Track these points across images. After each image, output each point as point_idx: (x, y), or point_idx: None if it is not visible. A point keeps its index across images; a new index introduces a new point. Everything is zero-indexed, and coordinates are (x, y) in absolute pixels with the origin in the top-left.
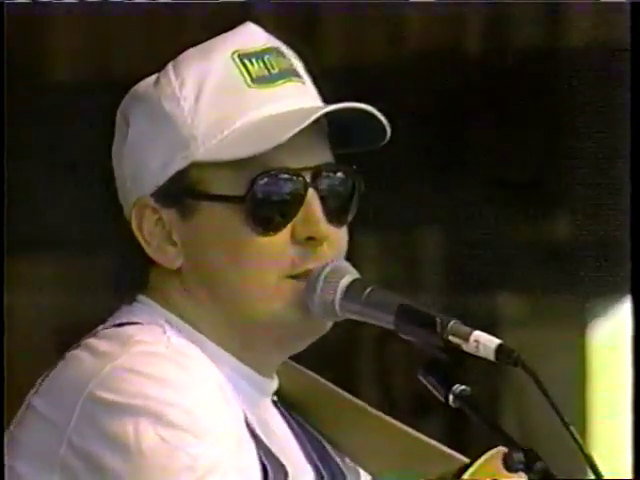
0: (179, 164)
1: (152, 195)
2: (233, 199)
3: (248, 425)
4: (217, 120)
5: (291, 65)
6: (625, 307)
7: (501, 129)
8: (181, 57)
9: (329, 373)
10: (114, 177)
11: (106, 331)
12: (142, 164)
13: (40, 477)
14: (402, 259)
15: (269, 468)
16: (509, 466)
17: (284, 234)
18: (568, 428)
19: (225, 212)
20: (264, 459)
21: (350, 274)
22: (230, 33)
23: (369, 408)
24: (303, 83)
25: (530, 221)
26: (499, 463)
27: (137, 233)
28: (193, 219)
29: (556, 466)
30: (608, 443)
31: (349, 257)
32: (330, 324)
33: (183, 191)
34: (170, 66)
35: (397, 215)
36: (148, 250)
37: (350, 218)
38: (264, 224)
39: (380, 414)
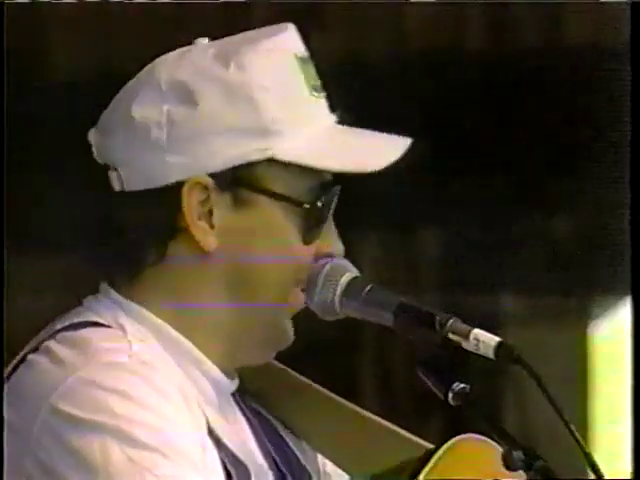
0: (256, 156)
1: (208, 174)
2: (298, 203)
3: (210, 430)
4: (294, 121)
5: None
6: (625, 306)
7: (501, 129)
8: (243, 49)
9: (329, 372)
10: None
11: (64, 335)
12: (210, 144)
13: None
14: (402, 259)
15: (233, 473)
16: (509, 464)
17: (313, 246)
18: (568, 426)
19: (281, 212)
20: (228, 465)
21: (350, 272)
22: (285, 33)
23: (328, 393)
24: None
25: (530, 221)
26: (465, 450)
27: (186, 209)
28: (246, 209)
29: (556, 464)
30: (608, 442)
31: (349, 256)
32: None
33: (246, 181)
34: (247, 54)
35: (397, 215)
36: (193, 228)
37: None
38: (312, 233)
39: (341, 400)
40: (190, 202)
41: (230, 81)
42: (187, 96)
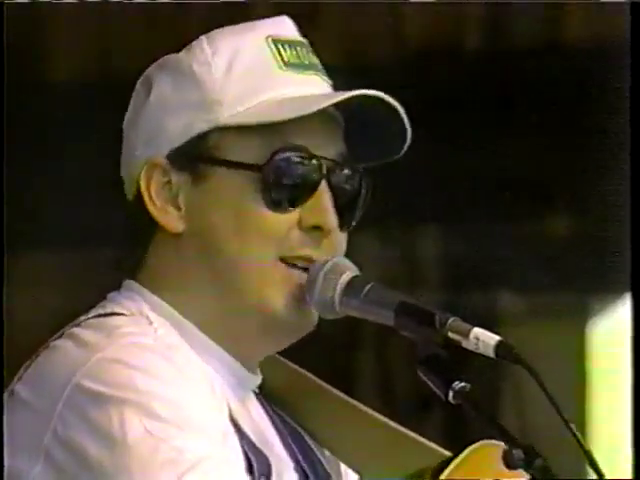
0: (201, 127)
1: (166, 157)
2: (251, 167)
3: (232, 418)
4: (245, 91)
5: (319, 63)
6: (624, 305)
7: (501, 128)
8: (215, 32)
9: (329, 370)
10: (120, 152)
11: (91, 321)
12: (161, 125)
13: (23, 466)
14: (402, 257)
15: (253, 460)
16: (509, 463)
17: (291, 217)
18: (568, 425)
19: (239, 181)
20: (248, 452)
21: (350, 271)
22: (265, 20)
23: (351, 401)
24: (329, 83)
25: (530, 220)
26: (482, 457)
27: (144, 192)
28: (204, 184)
29: (556, 463)
30: (608, 441)
31: (349, 255)
32: (315, 323)
33: (199, 155)
34: (203, 37)
35: (397, 214)
36: (152, 210)
37: (354, 222)
38: (276, 200)
39: (362, 406)
40: (149, 185)
41: (178, 64)
42: (147, 87)
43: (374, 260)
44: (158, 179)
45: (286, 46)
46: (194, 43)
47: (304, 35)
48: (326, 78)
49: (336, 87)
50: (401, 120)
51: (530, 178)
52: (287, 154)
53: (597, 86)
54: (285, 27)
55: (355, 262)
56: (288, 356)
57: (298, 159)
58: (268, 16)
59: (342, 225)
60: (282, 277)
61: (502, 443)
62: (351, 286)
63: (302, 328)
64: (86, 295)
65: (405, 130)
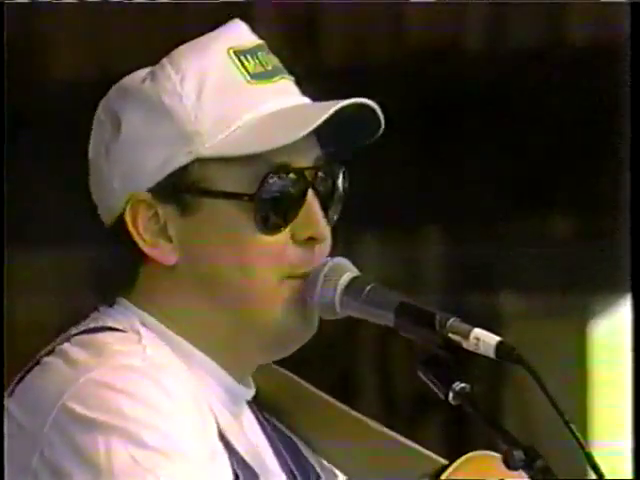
0: (182, 160)
1: (148, 191)
2: (241, 197)
3: (222, 436)
4: (221, 116)
5: (279, 62)
6: (625, 304)
7: (501, 129)
8: (176, 53)
9: (329, 371)
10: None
11: (80, 337)
12: (138, 160)
13: None
14: (403, 258)
15: (241, 477)
16: (510, 464)
17: (285, 234)
18: (568, 426)
19: (229, 209)
20: (237, 469)
21: (350, 272)
22: (221, 30)
23: (345, 408)
24: (293, 81)
25: (530, 220)
26: (478, 465)
27: (131, 229)
28: (194, 216)
29: (556, 464)
30: (608, 440)
31: (350, 256)
32: (316, 329)
33: (185, 187)
34: (166, 62)
35: (398, 214)
36: (142, 246)
37: (336, 216)
38: (270, 223)
39: (357, 414)
40: (136, 222)
41: (145, 96)
42: (115, 121)
43: (375, 261)
44: (144, 214)
45: (248, 56)
46: (157, 69)
47: (306, 35)
48: (289, 76)
49: (336, 86)
50: (373, 112)
51: (530, 178)
52: (275, 178)
53: (597, 86)
54: (241, 34)
55: (356, 264)
56: (288, 358)
57: (286, 180)
58: (268, 17)
59: (329, 223)
60: (286, 292)
61: (495, 454)
62: (351, 287)
63: (304, 335)
64: (86, 295)
65: (378, 120)
